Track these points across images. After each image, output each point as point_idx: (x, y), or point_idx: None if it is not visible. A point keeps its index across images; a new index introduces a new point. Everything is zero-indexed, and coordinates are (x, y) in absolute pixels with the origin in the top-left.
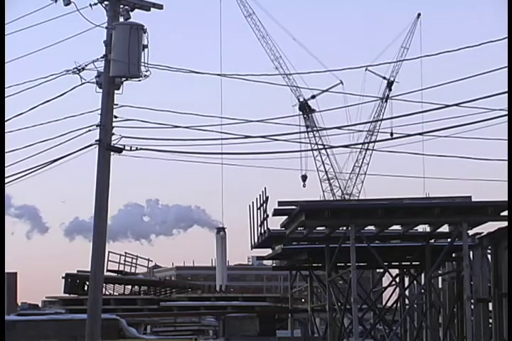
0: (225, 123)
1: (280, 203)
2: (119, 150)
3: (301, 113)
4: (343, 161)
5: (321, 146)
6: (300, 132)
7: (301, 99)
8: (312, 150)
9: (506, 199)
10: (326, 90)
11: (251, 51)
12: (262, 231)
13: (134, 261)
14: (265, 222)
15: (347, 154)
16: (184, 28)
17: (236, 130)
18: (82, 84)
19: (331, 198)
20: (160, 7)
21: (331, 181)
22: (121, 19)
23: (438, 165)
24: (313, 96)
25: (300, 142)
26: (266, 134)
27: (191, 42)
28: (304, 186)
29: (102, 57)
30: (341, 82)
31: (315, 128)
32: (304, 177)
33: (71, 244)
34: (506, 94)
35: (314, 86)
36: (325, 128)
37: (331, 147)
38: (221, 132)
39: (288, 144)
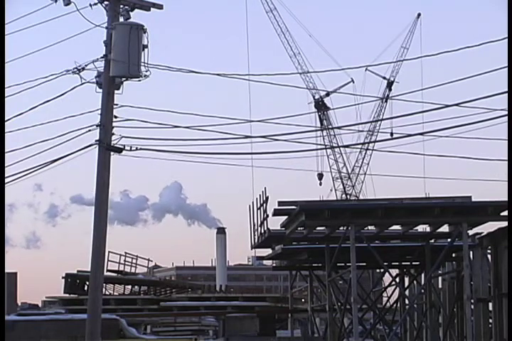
0: (225, 123)
1: (280, 203)
2: (119, 150)
3: (316, 110)
4: (353, 160)
5: (323, 146)
6: (302, 132)
7: (317, 97)
8: (315, 149)
9: (506, 199)
10: (339, 88)
11: (256, 50)
12: (262, 231)
13: (134, 261)
14: (265, 221)
15: (357, 153)
16: (184, 27)
17: (254, 130)
18: (82, 84)
19: (343, 197)
20: (160, 7)
21: (344, 179)
22: (121, 19)
23: (438, 165)
24: (327, 94)
25: (301, 142)
26: (269, 134)
27: (191, 42)
28: (321, 184)
29: (102, 57)
30: (352, 80)
31: (317, 128)
32: (320, 176)
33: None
34: (506, 94)
35: (322, 84)
36: (325, 128)
37: (332, 147)
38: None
39: (295, 143)
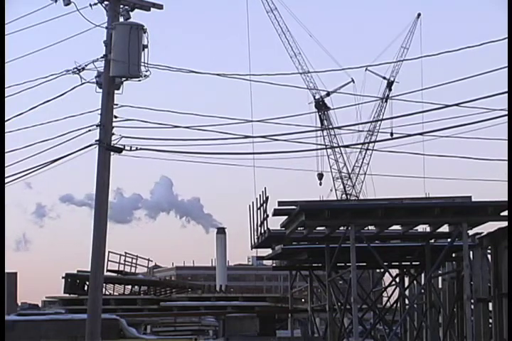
0: (225, 123)
1: (280, 203)
2: (119, 150)
3: (316, 110)
4: (353, 160)
5: (323, 146)
6: (302, 132)
7: (317, 97)
8: (315, 149)
9: (506, 199)
10: (339, 88)
11: (256, 50)
12: (262, 231)
13: (134, 261)
14: (265, 221)
15: (357, 153)
16: (184, 27)
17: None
18: (82, 84)
19: (343, 197)
20: (160, 7)
21: (344, 179)
22: (121, 19)
23: (438, 165)
24: (327, 94)
25: (301, 142)
26: (269, 134)
27: (191, 42)
28: (321, 184)
29: (102, 57)
30: (352, 80)
31: (317, 128)
32: (321, 176)
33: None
34: (506, 94)
35: (322, 84)
36: (325, 128)
37: (332, 147)
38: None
39: (295, 143)
